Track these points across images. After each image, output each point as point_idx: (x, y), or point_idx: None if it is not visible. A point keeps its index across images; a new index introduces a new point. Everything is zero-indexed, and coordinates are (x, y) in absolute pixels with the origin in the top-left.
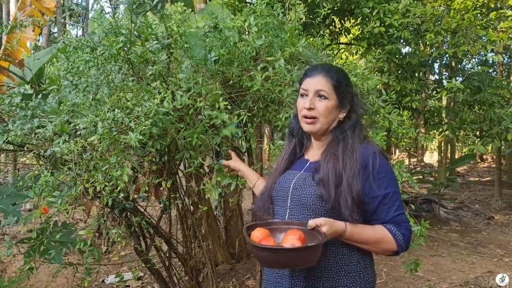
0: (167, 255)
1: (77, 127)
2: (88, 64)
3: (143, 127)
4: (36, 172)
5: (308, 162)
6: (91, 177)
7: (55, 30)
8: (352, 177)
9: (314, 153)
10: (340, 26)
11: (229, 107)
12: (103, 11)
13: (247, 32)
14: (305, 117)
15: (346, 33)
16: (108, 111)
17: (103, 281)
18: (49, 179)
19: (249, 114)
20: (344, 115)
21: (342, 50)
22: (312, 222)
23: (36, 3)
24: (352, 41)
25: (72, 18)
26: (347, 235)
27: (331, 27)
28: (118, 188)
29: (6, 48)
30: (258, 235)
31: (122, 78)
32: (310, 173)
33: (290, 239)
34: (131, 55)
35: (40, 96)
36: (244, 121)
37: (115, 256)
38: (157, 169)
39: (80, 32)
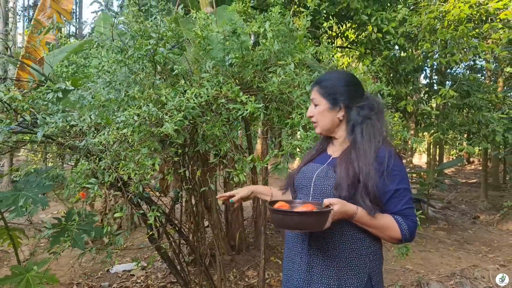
0: (178, 243)
1: (117, 119)
2: (120, 64)
3: (178, 119)
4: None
5: (331, 157)
6: (125, 166)
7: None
8: (367, 177)
9: (335, 149)
10: (337, 30)
11: (251, 100)
12: (134, 16)
13: (261, 37)
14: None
15: (343, 38)
16: (143, 106)
17: (108, 270)
18: (87, 167)
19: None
20: (343, 114)
21: (339, 54)
22: (326, 201)
23: (55, 4)
24: (348, 45)
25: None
26: (357, 217)
27: (328, 31)
28: (148, 176)
29: (27, 47)
30: (279, 205)
31: (150, 78)
32: (332, 167)
33: (302, 208)
34: (157, 56)
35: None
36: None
37: (117, 247)
38: (178, 160)
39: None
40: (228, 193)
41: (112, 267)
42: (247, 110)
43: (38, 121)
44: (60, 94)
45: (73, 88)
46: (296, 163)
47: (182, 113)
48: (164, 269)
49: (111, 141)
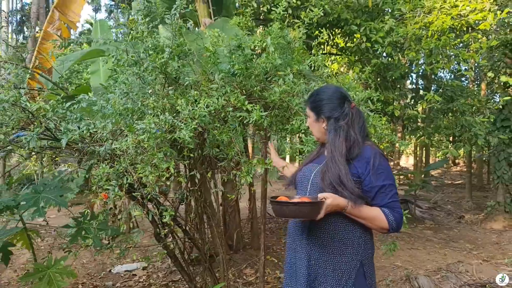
0: (183, 241)
1: (137, 127)
2: (136, 76)
3: (192, 126)
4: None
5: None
6: (142, 169)
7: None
8: (338, 178)
9: None
10: (327, 37)
11: (256, 108)
12: (152, 31)
13: (260, 51)
14: None
15: (333, 45)
16: (160, 115)
17: (110, 271)
18: (108, 171)
19: (264, 114)
20: (325, 124)
21: (329, 61)
22: (320, 195)
23: (63, 17)
24: (338, 52)
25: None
26: (348, 210)
27: (319, 38)
28: (164, 178)
29: (37, 57)
30: (280, 198)
31: (163, 89)
32: None
33: (298, 200)
34: (169, 68)
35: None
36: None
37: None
38: (188, 163)
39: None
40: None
41: (114, 267)
42: (253, 117)
43: (62, 128)
44: (84, 104)
45: (95, 98)
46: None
47: (196, 120)
48: (165, 268)
49: (130, 146)
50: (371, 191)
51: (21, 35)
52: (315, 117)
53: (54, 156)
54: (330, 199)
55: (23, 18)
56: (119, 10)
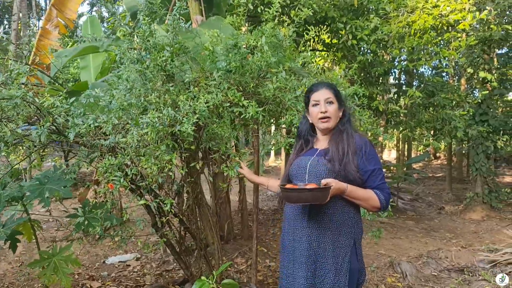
0: (179, 231)
1: (141, 121)
2: (139, 73)
3: (194, 120)
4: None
5: (318, 150)
6: (146, 161)
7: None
8: (353, 152)
9: (322, 143)
10: (313, 34)
11: (252, 104)
12: (152, 31)
13: (257, 50)
14: (322, 118)
15: (319, 42)
16: (163, 109)
17: (103, 262)
18: (113, 162)
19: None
20: (341, 113)
21: (317, 56)
22: (323, 181)
23: (60, 14)
24: (324, 49)
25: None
26: (348, 192)
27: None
28: (166, 169)
29: (36, 54)
30: (289, 186)
31: (164, 85)
32: (321, 156)
33: (308, 186)
34: (168, 66)
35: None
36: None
37: (110, 241)
38: (187, 155)
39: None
40: (243, 165)
41: (107, 258)
42: (249, 112)
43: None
44: (91, 100)
45: (102, 94)
46: (270, 161)
47: (197, 115)
48: (158, 259)
49: (135, 139)
50: (364, 174)
51: (1, 28)
52: (339, 104)
53: (42, 151)
54: (334, 184)
55: (3, 10)
56: (101, 5)
